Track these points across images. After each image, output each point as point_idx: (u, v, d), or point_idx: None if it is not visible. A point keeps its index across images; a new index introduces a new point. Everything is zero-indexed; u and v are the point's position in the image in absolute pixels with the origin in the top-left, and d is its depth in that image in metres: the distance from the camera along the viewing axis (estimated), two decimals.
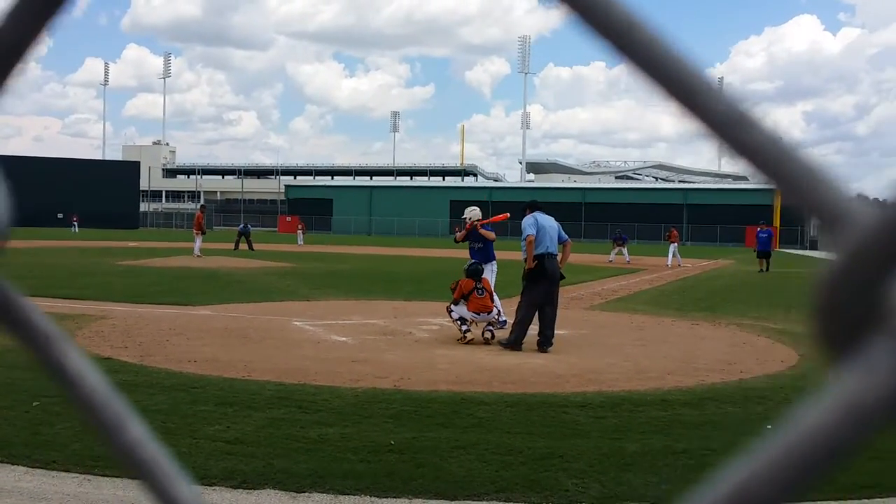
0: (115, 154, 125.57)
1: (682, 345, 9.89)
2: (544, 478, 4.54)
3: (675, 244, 30.86)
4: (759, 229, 29.14)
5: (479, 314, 9.54)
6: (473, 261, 10.22)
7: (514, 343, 9.04)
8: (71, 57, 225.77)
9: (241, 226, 36.27)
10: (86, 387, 0.49)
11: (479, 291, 9.63)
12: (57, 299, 12.63)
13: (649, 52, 0.31)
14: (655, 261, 31.90)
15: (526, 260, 9.27)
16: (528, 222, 9.32)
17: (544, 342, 9.12)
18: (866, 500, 4.39)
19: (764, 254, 28.21)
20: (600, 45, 0.31)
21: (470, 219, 10.64)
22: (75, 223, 60.77)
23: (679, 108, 0.31)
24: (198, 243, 26.74)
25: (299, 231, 47.06)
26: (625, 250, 31.85)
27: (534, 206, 9.64)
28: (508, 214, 11.36)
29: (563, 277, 9.58)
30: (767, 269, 27.50)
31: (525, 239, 9.23)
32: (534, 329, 9.21)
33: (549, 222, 9.43)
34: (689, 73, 0.31)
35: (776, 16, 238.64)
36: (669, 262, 30.16)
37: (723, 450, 5.15)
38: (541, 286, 9.21)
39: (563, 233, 9.60)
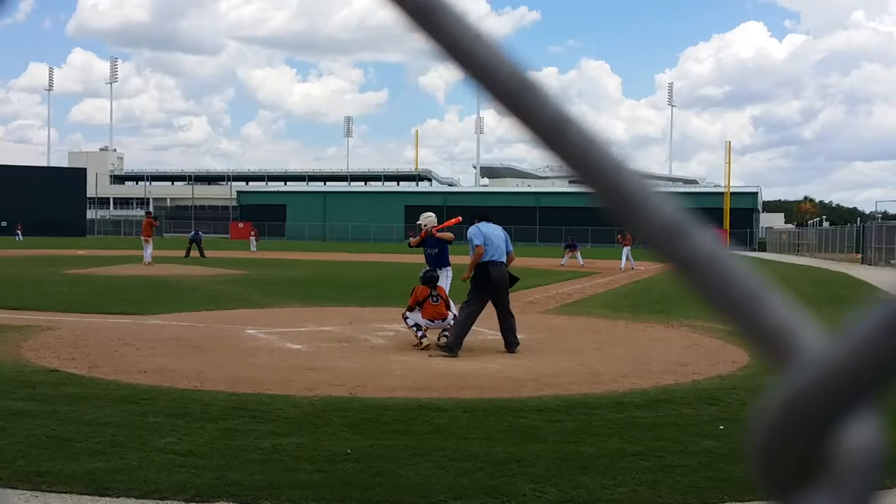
0: (60, 160, 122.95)
1: (637, 347, 10.00)
2: (502, 483, 4.53)
3: (629, 247, 31.28)
4: None
5: (433, 321, 9.54)
6: (428, 268, 10.26)
7: (450, 348, 8.97)
8: (13, 62, 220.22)
9: (192, 233, 35.72)
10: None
11: (434, 299, 9.63)
12: (0, 310, 12.28)
13: (581, 157, 0.27)
14: (609, 264, 32.26)
15: (470, 267, 9.45)
16: (473, 233, 9.46)
17: (509, 346, 9.26)
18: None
19: None
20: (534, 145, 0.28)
21: (425, 225, 10.69)
22: (19, 232, 59.26)
23: (612, 214, 0.27)
24: (148, 250, 26.23)
25: (252, 238, 46.45)
26: (577, 254, 32.26)
27: (481, 216, 9.78)
28: (460, 218, 11.64)
29: (516, 280, 9.71)
30: None
31: (474, 250, 9.36)
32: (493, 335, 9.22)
33: (496, 231, 9.57)
34: (628, 183, 0.27)
35: (724, 23, 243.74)
36: (623, 266, 30.58)
37: (677, 451, 5.21)
38: (485, 293, 9.34)
39: (510, 244, 9.71)
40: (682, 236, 0.26)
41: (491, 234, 9.44)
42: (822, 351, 0.24)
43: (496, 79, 0.28)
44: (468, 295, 9.47)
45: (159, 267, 24.99)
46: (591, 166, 0.27)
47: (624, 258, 30.93)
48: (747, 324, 0.24)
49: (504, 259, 9.51)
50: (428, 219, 10.83)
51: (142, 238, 27.17)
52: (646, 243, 0.27)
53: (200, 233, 36.26)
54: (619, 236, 32.92)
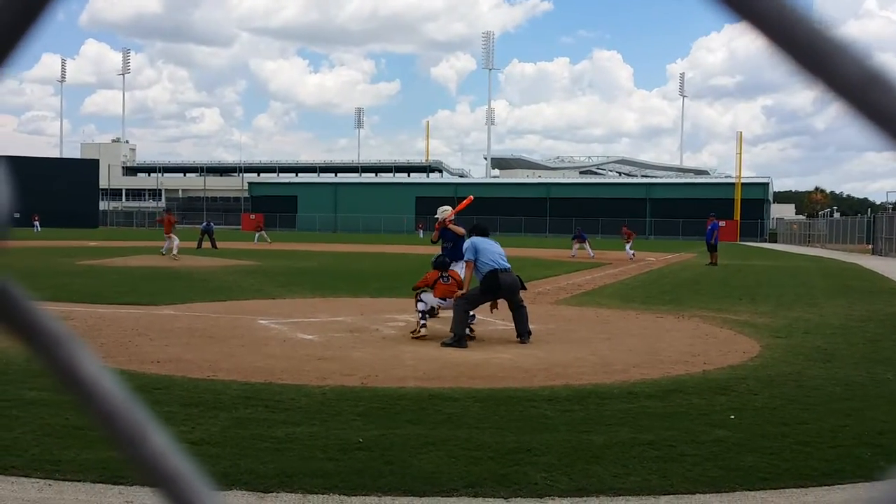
0: (73, 152, 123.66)
1: (647, 337, 9.99)
2: (513, 472, 4.55)
3: (631, 241, 31.42)
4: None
5: (445, 300, 9.56)
6: (441, 254, 10.35)
7: (457, 340, 8.98)
8: (26, 53, 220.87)
9: (204, 224, 35.79)
10: (101, 394, 0.44)
11: (445, 279, 9.67)
12: None
13: (769, 9, 0.26)
14: (620, 255, 32.19)
15: (465, 283, 9.62)
16: (466, 246, 9.69)
17: (521, 336, 9.32)
18: (826, 488, 4.47)
19: (710, 247, 28.33)
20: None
21: (443, 219, 10.89)
22: (36, 223, 59.60)
23: (804, 72, 0.25)
24: (168, 244, 26.16)
25: (261, 231, 46.15)
26: (587, 245, 32.21)
27: (478, 230, 9.90)
28: (472, 198, 12.20)
29: (523, 288, 9.71)
30: (714, 262, 27.46)
31: (465, 262, 9.63)
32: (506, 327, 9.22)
33: (489, 244, 9.65)
34: (814, 32, 0.25)
35: None
36: (630, 255, 30.67)
37: (688, 440, 5.20)
38: (490, 297, 9.50)
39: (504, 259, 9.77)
40: (883, 87, 0.24)
41: (484, 247, 9.57)
42: None
43: None
44: (471, 289, 9.54)
45: (171, 258, 25.09)
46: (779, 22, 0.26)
47: (628, 247, 31.08)
48: None
49: (509, 266, 9.58)
50: (444, 212, 11.01)
51: (165, 234, 27.14)
52: (839, 96, 0.25)
53: (212, 224, 36.34)
54: (624, 236, 32.71)
